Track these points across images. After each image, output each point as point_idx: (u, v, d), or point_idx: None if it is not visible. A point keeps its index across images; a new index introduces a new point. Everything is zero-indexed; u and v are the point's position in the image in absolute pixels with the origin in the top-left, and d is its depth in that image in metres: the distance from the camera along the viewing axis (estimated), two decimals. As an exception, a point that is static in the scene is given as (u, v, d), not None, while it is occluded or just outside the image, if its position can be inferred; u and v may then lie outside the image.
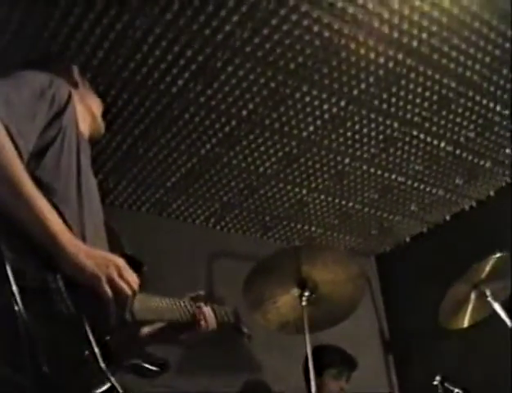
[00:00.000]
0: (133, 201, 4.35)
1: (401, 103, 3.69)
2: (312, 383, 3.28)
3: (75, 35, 3.02)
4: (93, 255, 1.59)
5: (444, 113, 3.80)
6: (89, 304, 1.56)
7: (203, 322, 2.29)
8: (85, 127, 2.11)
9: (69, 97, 1.86)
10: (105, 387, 1.46)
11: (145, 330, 2.14)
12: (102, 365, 1.49)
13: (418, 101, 3.69)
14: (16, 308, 1.37)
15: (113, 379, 1.48)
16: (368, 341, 5.05)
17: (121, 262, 1.66)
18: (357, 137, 3.92)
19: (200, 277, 4.46)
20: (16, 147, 1.56)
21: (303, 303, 3.52)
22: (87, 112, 2.17)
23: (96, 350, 1.50)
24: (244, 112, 3.61)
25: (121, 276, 1.63)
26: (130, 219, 4.31)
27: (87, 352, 1.49)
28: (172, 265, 4.15)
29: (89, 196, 1.87)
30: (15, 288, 1.38)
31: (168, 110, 3.54)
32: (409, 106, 3.73)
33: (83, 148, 1.92)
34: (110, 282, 1.60)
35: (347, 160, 4.12)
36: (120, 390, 1.48)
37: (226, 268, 4.59)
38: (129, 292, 1.64)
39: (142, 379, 1.89)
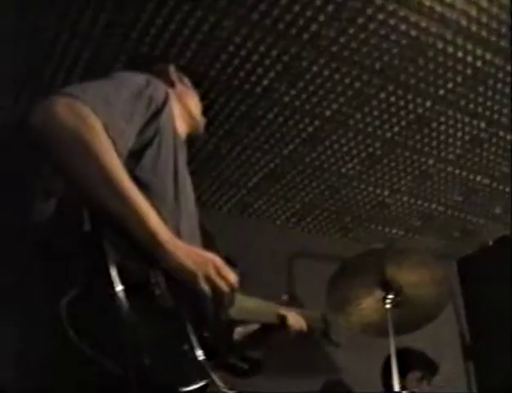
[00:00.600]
0: (215, 201, 4.38)
1: (488, 103, 3.61)
2: (396, 383, 3.25)
3: (163, 36, 3.07)
4: (191, 253, 1.60)
5: (534, 114, 3.71)
6: (188, 300, 1.57)
7: (294, 328, 2.30)
8: (183, 126, 2.12)
9: (167, 97, 1.86)
10: (203, 382, 1.47)
11: (239, 330, 2.15)
12: (201, 357, 1.50)
13: (506, 101, 3.60)
14: (118, 302, 1.39)
15: (212, 373, 1.49)
16: (449, 345, 4.97)
17: (219, 260, 1.66)
18: (442, 137, 3.85)
19: (280, 278, 4.46)
20: (115, 146, 1.58)
21: (387, 305, 3.48)
22: (185, 111, 2.18)
23: (196, 343, 1.51)
24: (328, 112, 3.60)
25: (219, 274, 1.63)
26: (211, 218, 4.32)
27: (186, 346, 1.50)
28: (252, 265, 4.14)
29: (185, 196, 1.89)
30: (118, 284, 1.41)
31: (253, 111, 3.56)
32: (496, 107, 3.64)
33: (180, 148, 1.94)
34: (208, 279, 1.60)
35: (431, 161, 4.06)
36: (220, 384, 1.49)
37: (306, 268, 4.57)
38: (227, 290, 1.64)
39: (230, 379, 1.90)
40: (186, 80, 2.32)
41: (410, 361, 3.85)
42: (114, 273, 1.42)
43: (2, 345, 1.48)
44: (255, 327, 2.24)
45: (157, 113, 1.80)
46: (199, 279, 1.59)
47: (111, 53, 3.16)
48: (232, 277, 1.68)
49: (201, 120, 2.30)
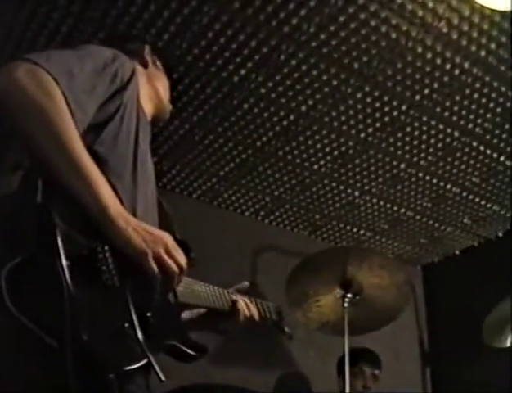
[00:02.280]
0: (185, 187, 4.37)
1: (463, 112, 3.62)
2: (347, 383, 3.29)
3: (142, 16, 3.04)
4: (142, 230, 1.58)
5: (508, 126, 3.71)
6: (134, 278, 1.56)
7: (243, 315, 2.26)
8: (149, 107, 2.09)
9: (133, 73, 1.85)
10: (141, 363, 1.46)
11: (185, 314, 2.14)
12: (140, 337, 1.49)
13: (481, 111, 3.61)
14: (61, 274, 1.38)
15: (150, 354, 1.48)
16: (407, 350, 5.00)
17: (170, 239, 1.64)
18: (415, 142, 3.86)
19: (245, 269, 4.46)
20: (73, 118, 1.56)
21: (345, 304, 3.49)
22: (154, 93, 2.15)
23: (136, 323, 1.50)
24: (304, 107, 3.59)
25: (168, 253, 1.61)
26: (180, 203, 4.32)
27: (126, 324, 1.49)
28: (217, 254, 4.15)
29: (145, 176, 1.87)
30: (63, 256, 1.40)
31: (228, 99, 3.55)
32: (471, 116, 3.65)
33: (143, 128, 1.91)
34: (157, 258, 1.58)
35: (403, 166, 4.07)
36: (156, 366, 1.48)
37: (271, 262, 4.58)
38: (176, 270, 1.62)
39: (179, 363, 1.89)
40: (160, 64, 2.28)
41: (362, 355, 3.91)
42: (59, 244, 1.41)
43: None
44: (202, 311, 2.23)
45: (121, 89, 1.78)
46: (148, 257, 1.56)
47: (89, 29, 3.13)
48: (182, 258, 1.65)
49: (168, 106, 2.26)
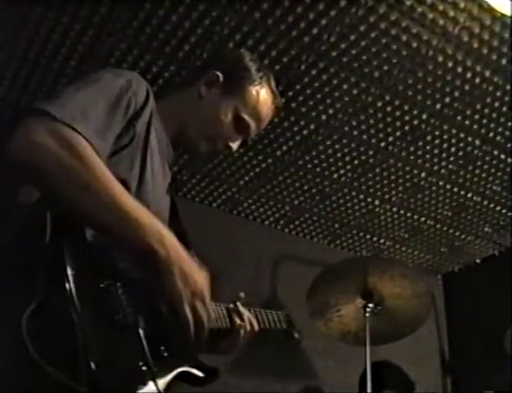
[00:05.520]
0: (205, 196, 4.37)
1: (484, 121, 3.60)
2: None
3: (150, 21, 3.05)
4: (186, 274, 1.56)
5: (530, 134, 3.69)
6: (147, 313, 1.58)
7: (242, 330, 2.20)
8: (175, 130, 2.05)
9: (148, 96, 1.84)
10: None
11: None
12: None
13: (502, 120, 3.59)
14: (74, 315, 1.39)
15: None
16: (427, 360, 4.96)
17: (207, 288, 1.62)
18: (436, 151, 3.84)
19: (264, 279, 4.45)
20: None
21: (367, 314, 3.48)
22: (191, 122, 2.06)
23: (151, 362, 1.51)
24: (324, 117, 3.59)
25: (204, 304, 1.60)
26: (201, 213, 4.33)
27: (140, 363, 1.51)
28: (236, 263, 4.15)
29: (153, 188, 1.86)
30: (73, 292, 1.41)
31: (248, 109, 3.54)
32: (492, 125, 3.63)
33: (157, 146, 1.91)
34: (192, 308, 1.57)
35: (423, 174, 4.05)
36: None
37: (290, 271, 4.57)
38: (206, 323, 1.60)
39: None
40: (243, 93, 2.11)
41: (386, 377, 3.85)
42: (72, 286, 1.42)
43: None
44: None
45: (135, 117, 1.78)
46: (185, 305, 1.55)
47: (111, 40, 3.16)
48: (212, 307, 1.65)
49: (199, 144, 2.08)
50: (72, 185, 1.50)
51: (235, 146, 2.12)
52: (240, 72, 2.11)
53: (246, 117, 2.09)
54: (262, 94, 2.13)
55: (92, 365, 1.36)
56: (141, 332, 1.53)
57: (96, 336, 1.41)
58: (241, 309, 2.23)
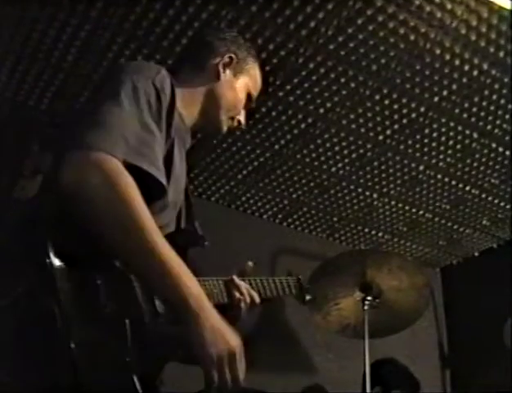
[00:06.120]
0: (203, 190, 4.37)
1: (482, 114, 3.60)
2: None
3: (161, 22, 3.07)
4: (218, 333, 1.57)
5: (528, 127, 3.69)
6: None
7: (242, 304, 2.14)
8: (194, 116, 2.12)
9: (173, 93, 1.87)
10: None
11: None
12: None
13: (500, 113, 3.59)
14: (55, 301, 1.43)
15: None
16: (426, 353, 4.96)
17: (239, 350, 1.61)
18: (433, 144, 3.84)
19: (263, 272, 4.43)
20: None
21: (365, 307, 3.48)
22: (211, 106, 2.15)
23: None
24: (322, 110, 3.58)
25: (231, 366, 1.57)
26: (199, 207, 4.30)
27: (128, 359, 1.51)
28: (236, 257, 4.14)
29: (175, 188, 1.93)
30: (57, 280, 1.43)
31: (246, 102, 3.54)
32: (490, 118, 3.63)
33: (179, 139, 1.95)
34: (219, 368, 1.55)
35: (421, 168, 4.05)
36: None
37: (289, 265, 4.53)
38: (230, 386, 1.58)
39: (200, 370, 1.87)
40: (249, 66, 2.26)
41: (392, 376, 3.83)
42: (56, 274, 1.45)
43: None
44: None
45: (169, 124, 1.82)
46: (213, 366, 1.55)
47: (107, 34, 3.16)
48: (242, 370, 1.62)
49: (222, 123, 2.20)
50: (116, 229, 1.53)
51: (243, 120, 2.28)
52: (244, 52, 2.23)
53: (254, 93, 2.27)
54: (258, 70, 2.30)
55: (72, 344, 1.38)
56: (127, 324, 1.53)
57: (80, 324, 1.43)
58: (238, 281, 2.18)
